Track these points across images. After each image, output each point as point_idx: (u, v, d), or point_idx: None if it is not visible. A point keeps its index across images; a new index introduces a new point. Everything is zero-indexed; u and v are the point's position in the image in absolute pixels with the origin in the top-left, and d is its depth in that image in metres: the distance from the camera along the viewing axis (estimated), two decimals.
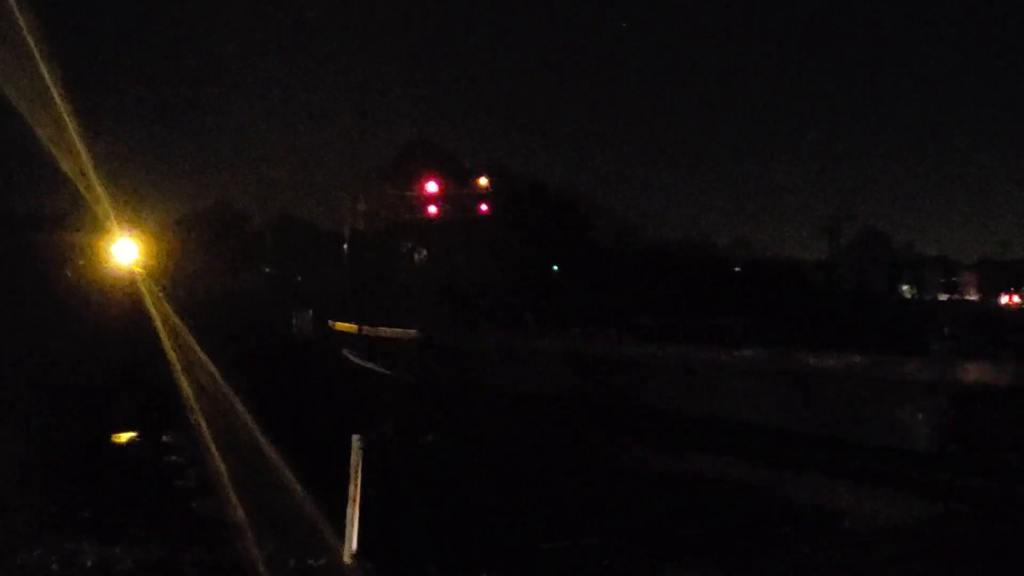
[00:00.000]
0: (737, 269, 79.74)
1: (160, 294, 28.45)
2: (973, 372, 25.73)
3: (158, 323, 25.66)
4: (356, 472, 11.24)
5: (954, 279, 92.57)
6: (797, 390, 29.47)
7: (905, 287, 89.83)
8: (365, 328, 62.35)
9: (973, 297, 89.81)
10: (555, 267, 73.60)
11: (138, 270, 31.03)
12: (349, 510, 11.15)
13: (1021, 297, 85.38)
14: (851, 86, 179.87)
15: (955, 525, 15.08)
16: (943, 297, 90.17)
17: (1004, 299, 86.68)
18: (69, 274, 34.10)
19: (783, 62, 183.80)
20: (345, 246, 73.38)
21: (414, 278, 75.76)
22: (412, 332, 56.41)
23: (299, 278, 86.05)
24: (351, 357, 51.93)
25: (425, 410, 29.77)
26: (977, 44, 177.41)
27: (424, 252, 76.94)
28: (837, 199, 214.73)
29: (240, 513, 13.19)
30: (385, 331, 60.09)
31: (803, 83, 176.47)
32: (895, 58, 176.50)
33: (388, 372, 44.74)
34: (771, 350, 32.78)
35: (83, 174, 24.97)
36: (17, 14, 21.21)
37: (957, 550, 12.95)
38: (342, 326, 65.47)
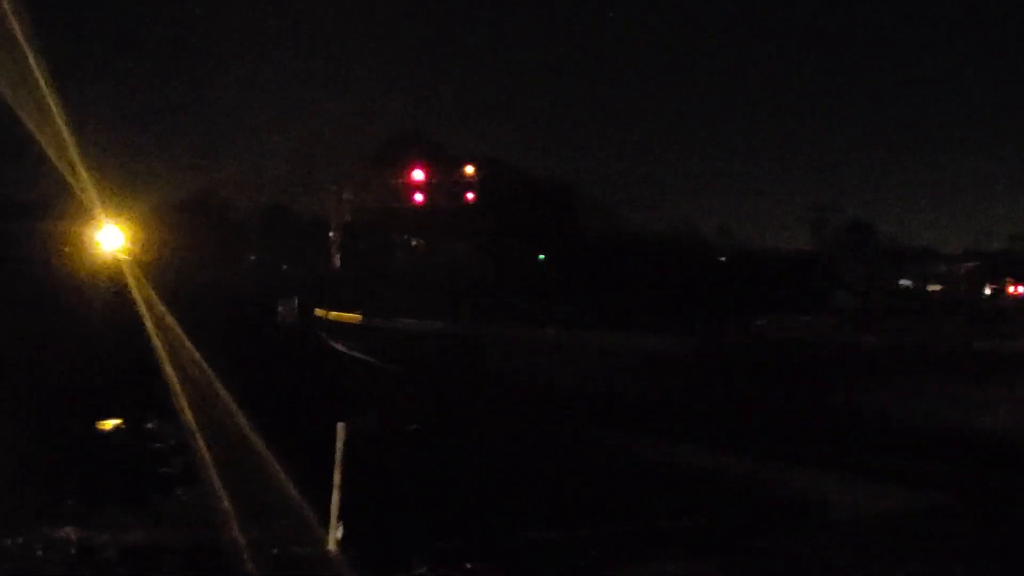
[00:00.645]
0: (722, 259, 79.93)
1: (146, 282, 28.37)
2: None
3: (143, 311, 25.62)
4: (340, 460, 11.26)
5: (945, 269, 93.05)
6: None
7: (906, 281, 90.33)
8: (352, 316, 62.58)
9: (960, 287, 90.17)
10: (541, 256, 73.84)
11: (124, 257, 30.95)
12: (333, 498, 11.16)
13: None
14: (837, 77, 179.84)
15: (939, 516, 15.14)
16: (933, 288, 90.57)
17: (988, 289, 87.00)
18: (54, 262, 33.98)
19: (771, 53, 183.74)
20: (331, 234, 73.39)
21: (404, 267, 76.01)
22: (398, 320, 56.75)
23: (285, 266, 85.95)
24: (337, 345, 51.87)
25: (411, 399, 29.72)
26: (960, 37, 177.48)
27: (415, 241, 77.11)
28: (823, 189, 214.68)
29: (225, 501, 13.18)
30: (372, 320, 60.31)
31: (789, 74, 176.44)
32: (879, 49, 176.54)
33: (374, 360, 44.62)
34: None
35: (69, 162, 24.89)
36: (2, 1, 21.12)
37: (941, 541, 13.01)
38: (330, 314, 65.53)
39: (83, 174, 25.86)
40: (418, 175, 61.07)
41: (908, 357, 40.57)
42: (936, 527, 14.42)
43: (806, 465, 19.90)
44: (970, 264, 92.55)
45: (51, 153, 24.18)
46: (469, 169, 64.67)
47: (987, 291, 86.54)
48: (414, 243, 77.74)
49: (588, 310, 57.60)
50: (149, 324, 24.52)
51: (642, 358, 39.60)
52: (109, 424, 22.03)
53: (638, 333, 43.00)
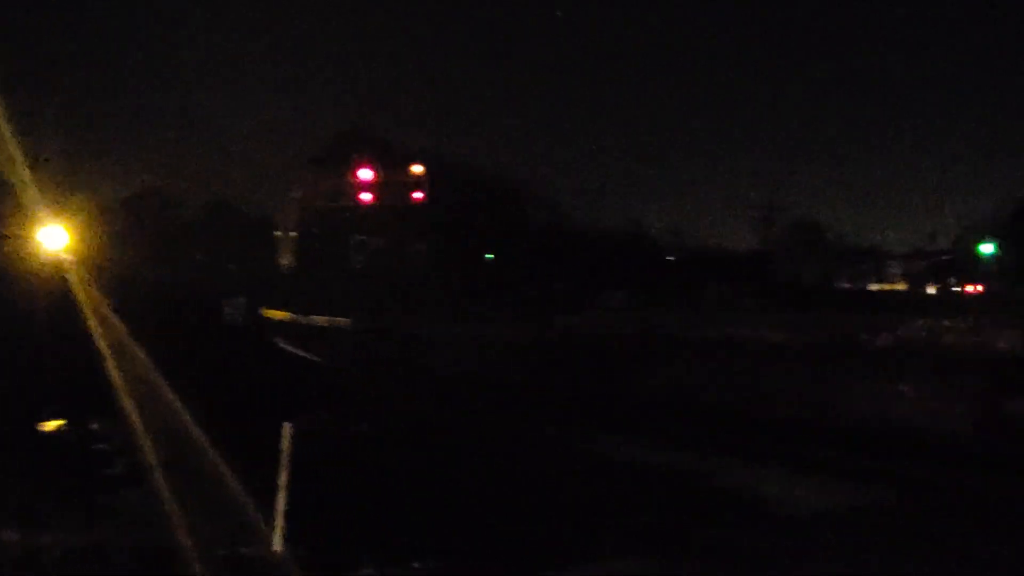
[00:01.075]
0: (670, 258, 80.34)
1: (89, 281, 28.16)
2: None
3: (87, 310, 25.42)
4: (286, 460, 11.23)
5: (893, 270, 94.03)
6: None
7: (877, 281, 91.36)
8: (298, 315, 62.43)
9: (901, 287, 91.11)
10: (489, 255, 73.98)
11: (67, 257, 30.68)
12: (279, 498, 11.13)
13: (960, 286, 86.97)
14: (786, 75, 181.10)
15: (882, 512, 15.27)
16: (874, 287, 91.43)
17: (931, 288, 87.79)
18: None
19: (720, 50, 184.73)
20: (278, 233, 73.22)
21: (357, 266, 75.83)
22: (345, 319, 56.68)
23: (232, 265, 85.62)
24: (284, 345, 51.70)
25: (359, 398, 29.68)
26: (908, 38, 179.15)
27: (367, 240, 76.96)
28: (770, 189, 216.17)
29: (170, 501, 13.11)
30: (319, 319, 60.13)
31: (738, 72, 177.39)
32: (827, 49, 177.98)
33: (321, 360, 44.51)
34: None
35: (9, 159, 24.65)
36: None
37: (886, 536, 13.13)
38: (276, 314, 65.33)
39: (24, 172, 25.62)
40: (366, 174, 60.94)
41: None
42: (881, 522, 14.56)
43: (745, 459, 20.03)
44: (921, 263, 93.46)
45: None
46: (417, 168, 64.75)
47: (931, 290, 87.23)
48: (365, 242, 77.55)
49: (522, 305, 58.61)
50: (93, 324, 24.34)
51: (503, 347, 42.94)
52: (52, 425, 21.86)
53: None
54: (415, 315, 54.93)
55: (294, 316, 63.03)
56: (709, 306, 63.65)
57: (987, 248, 70.14)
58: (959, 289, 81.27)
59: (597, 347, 41.01)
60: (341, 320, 58.02)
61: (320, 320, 59.70)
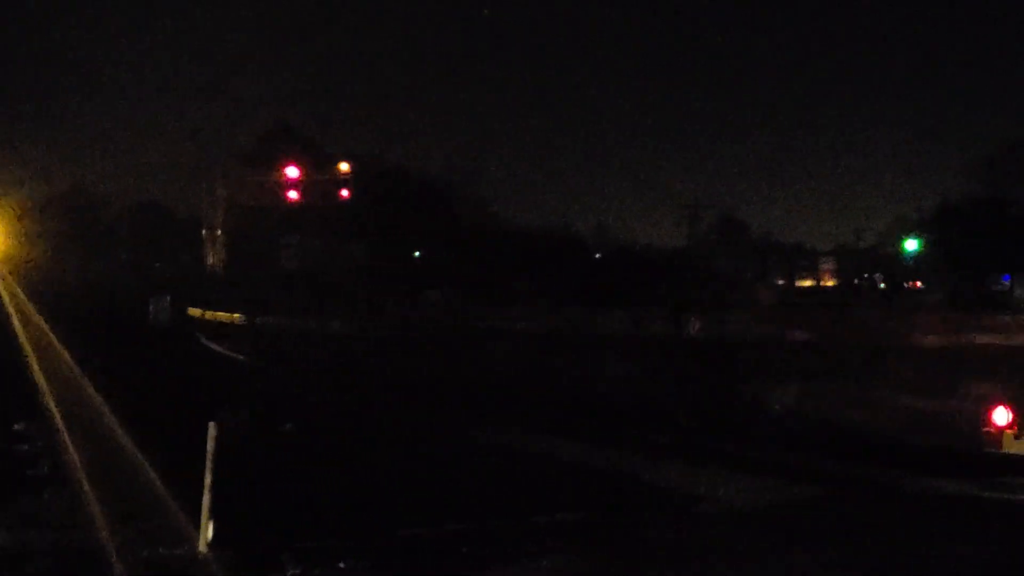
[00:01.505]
0: (598, 256, 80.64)
1: (13, 281, 27.86)
2: None
3: (10, 310, 25.17)
4: (211, 460, 11.16)
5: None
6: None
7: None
8: (221, 315, 62.21)
9: (830, 283, 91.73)
10: (416, 253, 74.00)
11: None
12: (205, 499, 11.05)
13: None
14: (713, 73, 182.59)
15: (808, 508, 15.45)
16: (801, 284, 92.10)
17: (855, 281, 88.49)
18: None
19: (648, 48, 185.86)
20: (204, 232, 72.64)
21: (286, 265, 75.61)
22: (268, 319, 56.83)
23: (157, 264, 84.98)
24: (209, 344, 51.50)
25: (282, 396, 29.66)
26: (834, 34, 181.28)
27: (297, 239, 76.68)
28: (698, 187, 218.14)
29: (94, 502, 12.98)
30: (244, 318, 59.98)
31: (666, 70, 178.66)
32: (754, 47, 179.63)
33: (245, 359, 44.46)
34: None
35: None
36: None
37: (815, 533, 13.31)
38: (205, 314, 65.10)
39: None
40: (292, 172, 60.75)
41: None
42: (809, 519, 14.71)
43: (673, 457, 20.17)
44: (831, 262, 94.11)
45: None
46: (344, 166, 64.45)
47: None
48: (294, 241, 77.22)
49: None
50: (16, 324, 24.07)
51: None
52: None
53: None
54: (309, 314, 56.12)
55: (221, 315, 62.78)
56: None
57: (911, 244, 70.79)
58: (883, 286, 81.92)
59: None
60: (267, 319, 57.92)
61: (245, 319, 59.57)
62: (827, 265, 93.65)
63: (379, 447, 20.76)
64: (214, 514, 11.04)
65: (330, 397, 30.76)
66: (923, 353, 37.04)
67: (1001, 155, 70.58)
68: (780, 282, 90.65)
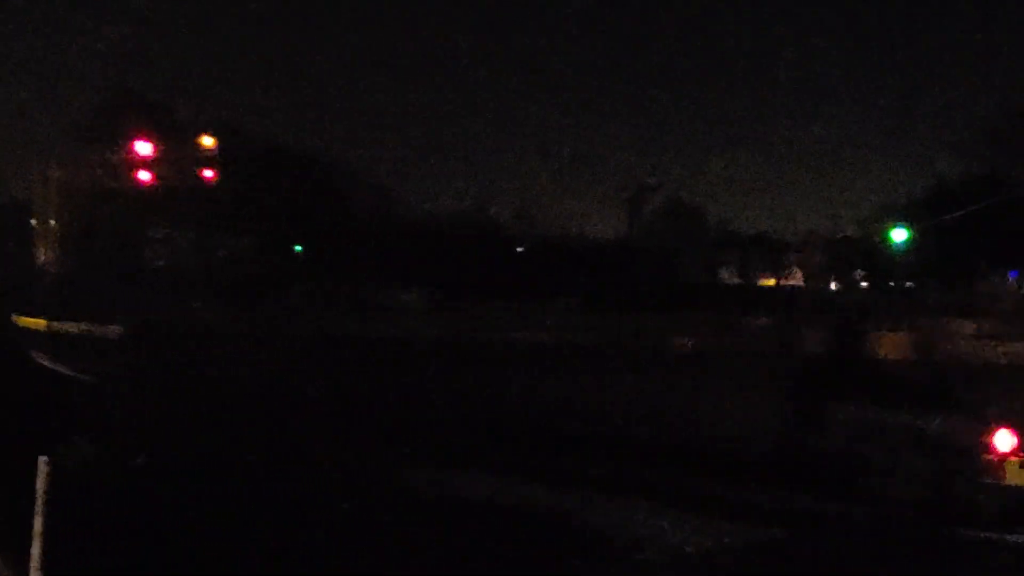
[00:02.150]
0: (520, 249, 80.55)
1: None
2: None
3: None
4: (42, 502, 11.00)
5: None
6: None
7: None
8: (64, 323, 61.41)
9: (798, 282, 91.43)
10: (298, 247, 73.65)
11: None
12: (34, 548, 10.91)
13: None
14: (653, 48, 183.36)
15: (768, 552, 15.53)
16: (767, 281, 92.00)
17: (833, 284, 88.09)
18: None
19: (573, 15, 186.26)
20: (33, 221, 71.66)
21: (146, 262, 74.90)
22: (115, 328, 56.23)
23: None
24: (44, 361, 50.89)
25: (137, 422, 29.37)
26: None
27: (161, 233, 75.91)
28: (642, 168, 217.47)
29: None
30: (87, 327, 59.26)
31: (597, 40, 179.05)
32: (701, 18, 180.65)
33: (90, 377, 43.96)
34: None
35: None
36: None
37: None
38: (33, 322, 64.19)
39: None
40: (143, 148, 59.71)
41: None
42: (761, 567, 14.84)
43: (611, 493, 20.28)
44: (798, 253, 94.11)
45: None
46: (207, 140, 63.39)
47: (833, 286, 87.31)
48: (161, 235, 76.39)
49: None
50: None
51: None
52: None
53: None
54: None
55: (58, 324, 61.88)
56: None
57: (899, 235, 70.27)
58: (866, 284, 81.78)
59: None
60: (114, 328, 57.27)
61: (89, 328, 58.80)
62: (797, 258, 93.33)
63: (260, 482, 20.62)
64: (45, 568, 10.92)
65: (194, 421, 30.57)
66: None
67: (1004, 126, 70.32)
68: (736, 280, 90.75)
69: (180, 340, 51.68)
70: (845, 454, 23.97)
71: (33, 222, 75.05)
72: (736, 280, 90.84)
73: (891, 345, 40.58)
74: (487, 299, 60.14)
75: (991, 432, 19.98)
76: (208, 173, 62.36)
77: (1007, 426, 20.00)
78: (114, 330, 56.85)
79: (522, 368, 37.71)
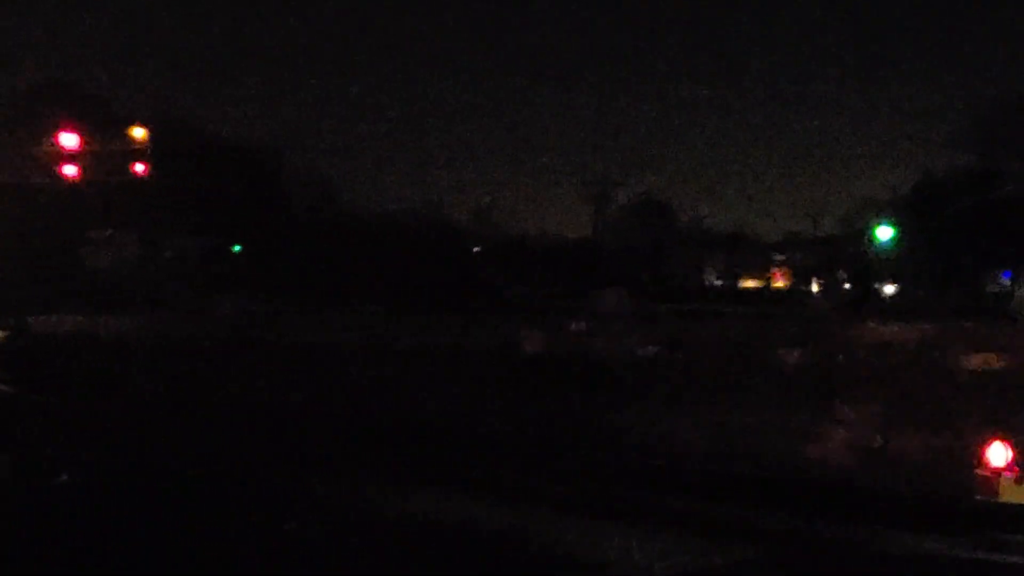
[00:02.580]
0: (477, 249, 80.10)
1: None
2: None
3: None
4: None
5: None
6: None
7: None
8: None
9: (781, 284, 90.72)
10: (236, 247, 72.80)
11: None
12: None
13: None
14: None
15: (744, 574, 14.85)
16: (748, 284, 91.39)
17: (815, 285, 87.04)
18: None
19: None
20: None
21: (82, 264, 73.84)
22: (49, 331, 55.52)
23: None
24: None
25: (63, 435, 28.46)
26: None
27: (103, 233, 74.74)
28: (608, 163, 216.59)
29: None
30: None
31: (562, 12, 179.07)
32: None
33: (10, 388, 43.13)
34: None
35: None
36: None
37: None
38: None
39: None
40: (69, 140, 58.57)
41: None
42: None
43: (568, 511, 19.48)
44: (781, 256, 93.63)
45: None
46: (138, 132, 62.21)
47: (814, 287, 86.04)
48: (102, 236, 75.25)
49: None
50: None
51: None
52: None
53: None
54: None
55: None
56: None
57: (884, 233, 69.55)
58: (848, 286, 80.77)
59: None
60: (46, 332, 56.41)
61: (12, 334, 58.00)
62: (780, 259, 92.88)
63: (193, 501, 19.57)
64: None
65: (116, 435, 29.62)
66: None
67: (997, 118, 69.35)
68: (718, 282, 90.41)
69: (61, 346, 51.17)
70: None
71: None
72: (717, 282, 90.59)
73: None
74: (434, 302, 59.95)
75: (984, 445, 18.89)
76: (139, 167, 61.19)
77: (1000, 437, 18.90)
78: (51, 334, 56.04)
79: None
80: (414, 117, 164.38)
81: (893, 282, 76.44)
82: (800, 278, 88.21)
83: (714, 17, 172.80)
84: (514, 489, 20.87)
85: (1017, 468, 17.80)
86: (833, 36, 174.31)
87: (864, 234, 73.39)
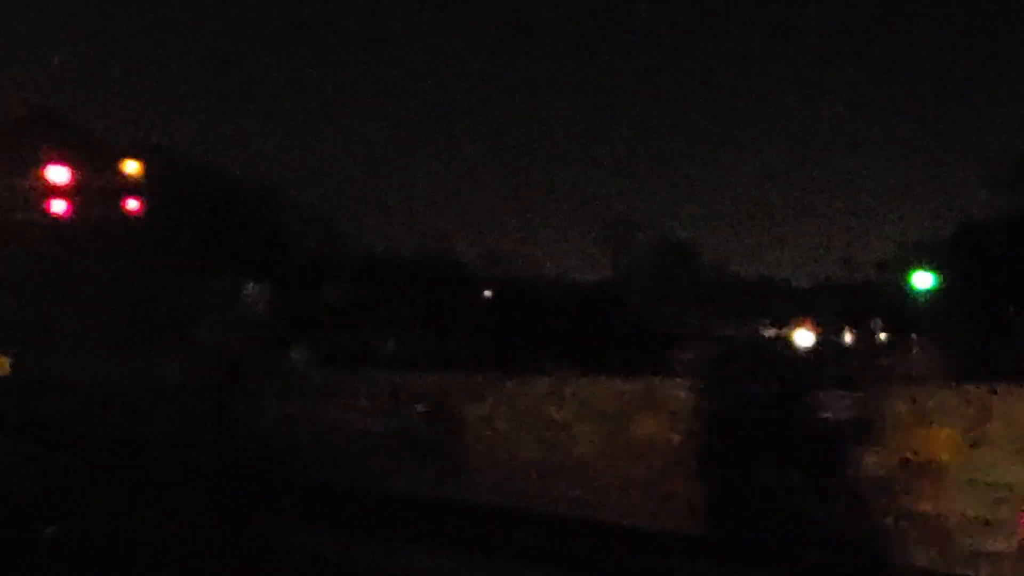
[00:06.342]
0: (488, 293, 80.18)
1: None
2: None
3: None
4: None
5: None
6: None
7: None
8: None
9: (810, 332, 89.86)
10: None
11: None
12: None
13: None
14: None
15: None
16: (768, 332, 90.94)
17: (848, 336, 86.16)
18: None
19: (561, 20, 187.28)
20: None
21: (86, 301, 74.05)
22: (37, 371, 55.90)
23: None
24: None
25: (51, 484, 28.62)
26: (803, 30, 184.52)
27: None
28: (631, 204, 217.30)
29: None
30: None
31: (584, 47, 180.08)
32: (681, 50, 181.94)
33: None
34: None
35: None
36: None
37: None
38: None
39: None
40: (59, 175, 58.48)
41: None
42: None
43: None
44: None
45: None
46: (132, 165, 62.03)
47: (848, 338, 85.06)
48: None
49: None
50: None
51: None
52: None
53: None
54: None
55: None
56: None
57: (923, 280, 68.03)
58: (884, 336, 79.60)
59: None
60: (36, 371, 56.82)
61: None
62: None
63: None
64: None
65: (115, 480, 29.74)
66: None
67: None
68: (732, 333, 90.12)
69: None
70: None
71: None
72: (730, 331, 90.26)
73: None
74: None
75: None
76: (132, 204, 60.98)
77: None
78: (38, 374, 56.30)
79: None
80: (423, 155, 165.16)
81: (932, 332, 75.43)
82: (832, 326, 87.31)
83: (748, 55, 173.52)
84: None
85: None
86: (868, 74, 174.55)
87: (900, 280, 72.30)
